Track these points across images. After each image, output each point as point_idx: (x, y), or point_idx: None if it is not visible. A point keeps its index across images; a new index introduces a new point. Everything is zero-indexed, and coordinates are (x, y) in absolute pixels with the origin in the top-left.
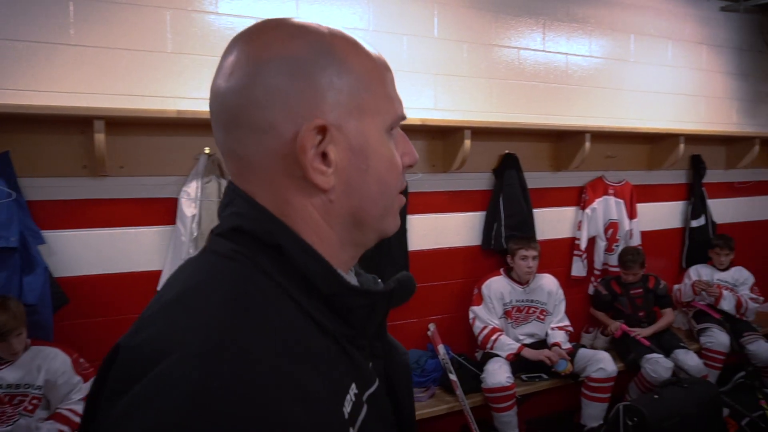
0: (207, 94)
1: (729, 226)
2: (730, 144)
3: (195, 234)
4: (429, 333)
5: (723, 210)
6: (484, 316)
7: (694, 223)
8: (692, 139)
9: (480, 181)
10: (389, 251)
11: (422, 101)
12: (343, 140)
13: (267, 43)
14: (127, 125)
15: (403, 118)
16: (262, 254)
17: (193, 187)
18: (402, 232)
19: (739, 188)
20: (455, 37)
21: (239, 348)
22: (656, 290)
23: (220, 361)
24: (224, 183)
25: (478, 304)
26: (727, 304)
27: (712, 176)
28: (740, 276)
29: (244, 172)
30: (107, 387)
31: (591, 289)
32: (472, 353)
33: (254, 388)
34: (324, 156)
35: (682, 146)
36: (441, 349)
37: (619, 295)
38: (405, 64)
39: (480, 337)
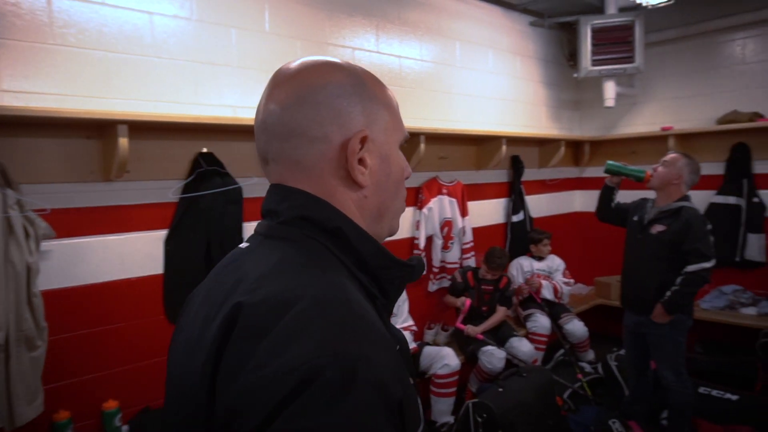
0: None
1: (542, 220)
2: (541, 145)
3: None
4: None
5: (537, 205)
6: None
7: (515, 218)
8: (512, 140)
9: None
10: None
11: (256, 99)
12: (375, 150)
13: (317, 74)
14: None
15: (408, 137)
16: (324, 235)
17: None
18: (239, 241)
19: (549, 185)
20: (288, 33)
21: (342, 293)
22: (505, 291)
23: (336, 300)
24: (10, 193)
25: None
26: (548, 293)
27: (528, 175)
28: (553, 263)
29: (296, 173)
30: (236, 335)
31: (430, 287)
32: None
33: (361, 312)
34: (360, 161)
35: (504, 147)
36: None
37: (471, 287)
38: (234, 59)
39: None
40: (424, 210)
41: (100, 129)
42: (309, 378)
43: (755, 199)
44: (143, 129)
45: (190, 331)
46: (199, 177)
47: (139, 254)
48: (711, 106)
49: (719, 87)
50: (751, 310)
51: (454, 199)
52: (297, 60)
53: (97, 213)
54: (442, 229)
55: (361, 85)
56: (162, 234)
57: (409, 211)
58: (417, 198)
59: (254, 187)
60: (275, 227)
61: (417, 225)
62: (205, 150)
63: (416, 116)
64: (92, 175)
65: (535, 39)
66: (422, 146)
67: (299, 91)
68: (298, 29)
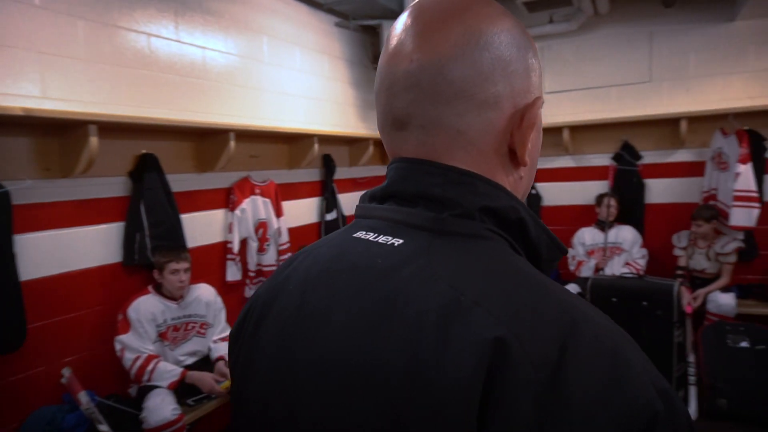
0: None
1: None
2: (351, 144)
3: None
4: (63, 380)
5: (349, 203)
6: (134, 345)
7: (328, 217)
8: (324, 139)
9: (114, 186)
10: None
11: (25, 86)
12: (532, 120)
13: (488, 17)
14: None
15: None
16: (504, 229)
17: None
18: (8, 257)
19: (360, 183)
20: (66, 9)
21: (592, 306)
22: None
23: (605, 320)
24: None
25: (126, 332)
26: None
27: (340, 173)
28: None
29: (455, 147)
30: (511, 378)
31: (247, 292)
32: (126, 391)
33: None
34: None
35: (316, 146)
36: (83, 397)
37: None
38: None
39: (133, 370)
40: (237, 211)
41: None
42: (650, 426)
43: (533, 191)
44: None
45: (358, 363)
46: None
47: None
48: None
49: None
50: None
51: (267, 199)
52: None
53: None
54: (257, 230)
55: (526, 36)
56: None
57: (220, 214)
58: (228, 199)
59: (27, 192)
60: (453, 222)
61: (230, 227)
62: None
63: (224, 112)
64: None
65: (342, 40)
66: (232, 144)
67: (465, 38)
68: (79, 6)
